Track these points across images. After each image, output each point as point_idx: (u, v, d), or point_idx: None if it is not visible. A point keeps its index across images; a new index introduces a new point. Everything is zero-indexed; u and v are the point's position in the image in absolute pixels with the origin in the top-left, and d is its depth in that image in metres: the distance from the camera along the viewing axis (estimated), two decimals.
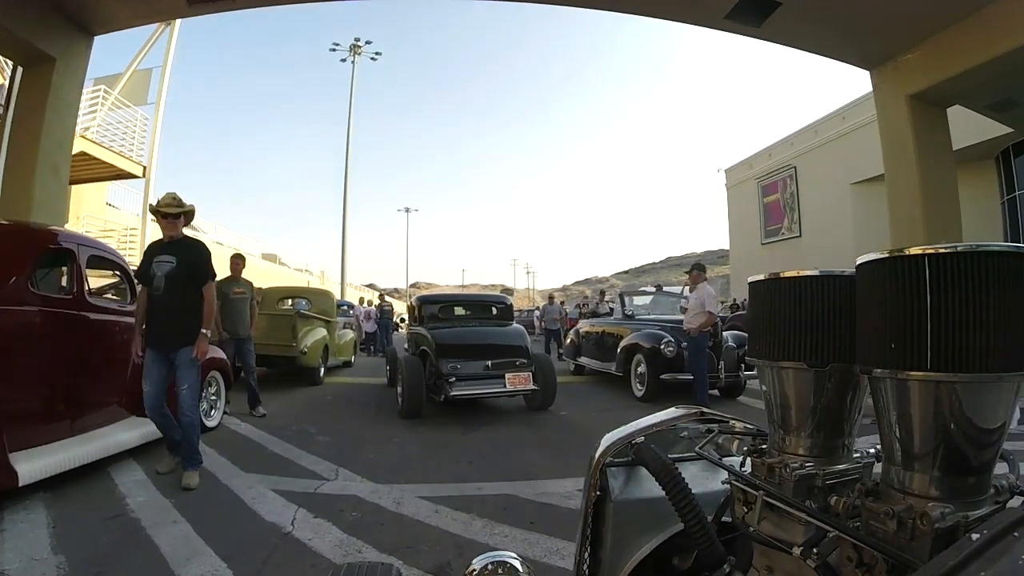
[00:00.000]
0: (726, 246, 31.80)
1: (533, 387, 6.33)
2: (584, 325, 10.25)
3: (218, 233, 23.79)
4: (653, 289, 12.25)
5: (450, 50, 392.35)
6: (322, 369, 8.78)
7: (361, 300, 16.65)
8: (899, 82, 9.34)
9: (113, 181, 13.40)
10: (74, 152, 10.33)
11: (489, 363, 6.24)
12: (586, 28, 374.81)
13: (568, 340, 10.72)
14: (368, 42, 26.86)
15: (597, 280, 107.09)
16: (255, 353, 6.78)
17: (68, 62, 7.35)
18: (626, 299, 9.32)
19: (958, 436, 0.70)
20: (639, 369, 7.35)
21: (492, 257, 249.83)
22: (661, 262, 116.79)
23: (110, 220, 13.38)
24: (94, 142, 10.90)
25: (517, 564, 0.88)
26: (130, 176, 12.46)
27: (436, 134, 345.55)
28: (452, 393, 5.91)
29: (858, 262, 0.79)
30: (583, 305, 15.56)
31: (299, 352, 7.91)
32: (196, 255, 3.83)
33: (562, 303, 16.17)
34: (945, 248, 0.68)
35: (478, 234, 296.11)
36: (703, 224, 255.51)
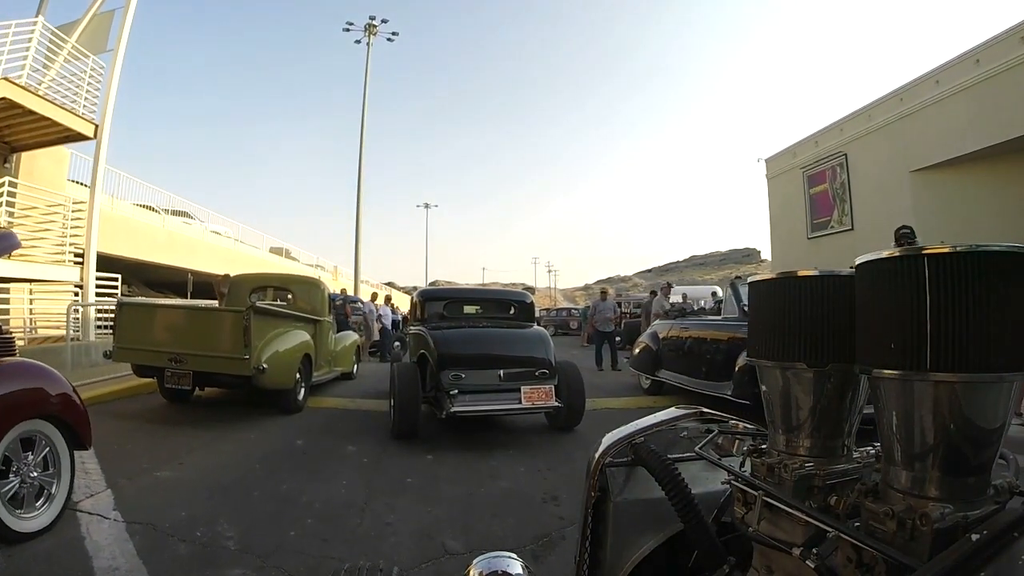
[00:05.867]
0: (752, 244, 28.65)
1: (556, 403, 5.26)
2: (664, 328, 7.29)
3: (214, 221, 20.76)
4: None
5: (470, 41, 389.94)
6: (301, 390, 5.86)
7: (373, 296, 13.70)
8: None
9: (63, 145, 10.59)
10: None
11: (501, 373, 5.22)
12: (608, 24, 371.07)
13: (640, 347, 7.70)
14: (384, 21, 24.16)
15: (620, 279, 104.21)
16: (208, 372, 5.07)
17: None
18: (741, 291, 6.26)
19: (958, 436, 0.69)
20: None
21: (513, 255, 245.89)
22: (684, 261, 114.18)
23: (63, 196, 10.58)
24: (23, 87, 8.07)
25: (518, 566, 0.86)
26: (80, 137, 9.67)
27: (457, 129, 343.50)
28: (453, 408, 4.94)
29: (858, 262, 0.78)
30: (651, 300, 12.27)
31: (254, 369, 4.97)
32: None
33: (656, 297, 12.62)
34: (945, 248, 0.67)
35: (499, 233, 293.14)
36: (728, 222, 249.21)
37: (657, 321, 8.83)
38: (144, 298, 15.69)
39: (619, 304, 17.34)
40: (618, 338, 12.06)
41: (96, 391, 6.73)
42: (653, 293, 13.13)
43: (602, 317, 11.52)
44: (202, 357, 5.49)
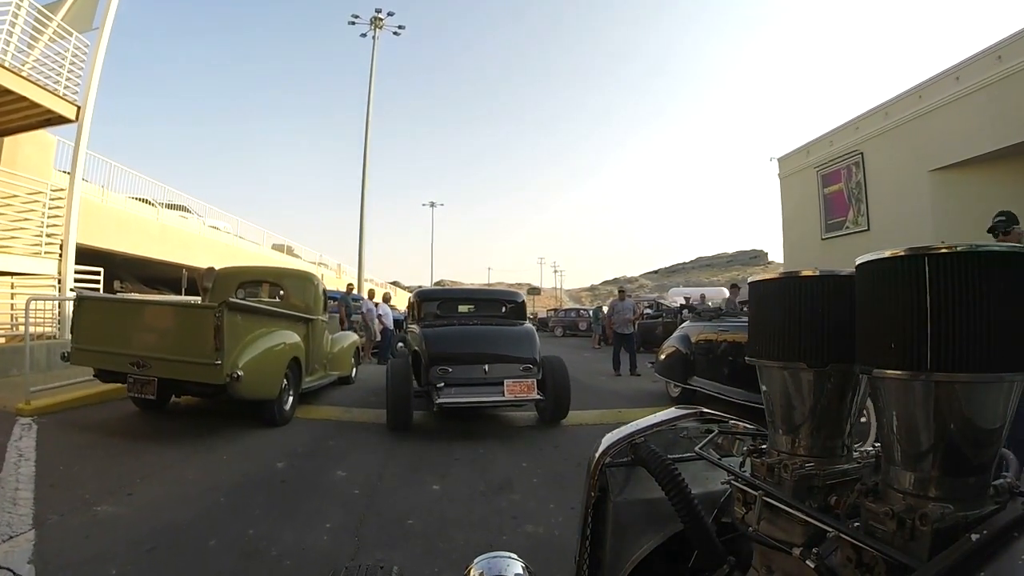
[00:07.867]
0: (759, 246, 28.32)
1: (538, 396, 5.44)
2: (696, 331, 6.48)
3: (213, 216, 19.98)
4: None
5: (475, 39, 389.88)
6: (288, 399, 5.04)
7: (371, 293, 12.83)
8: None
9: (47, 129, 9.78)
10: None
11: (487, 367, 5.38)
12: (613, 22, 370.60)
13: (668, 352, 6.89)
14: (390, 14, 23.38)
15: (626, 280, 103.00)
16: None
17: None
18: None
19: (958, 436, 0.68)
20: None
21: (519, 255, 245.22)
22: (691, 262, 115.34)
23: (42, 183, 9.72)
24: (6, 68, 7.28)
25: (518, 567, 0.84)
26: (61, 120, 8.85)
27: (462, 128, 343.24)
28: (439, 400, 5.10)
29: (858, 262, 0.76)
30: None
31: (227, 376, 4.15)
32: None
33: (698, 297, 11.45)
34: (945, 248, 0.66)
35: (505, 232, 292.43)
36: (735, 224, 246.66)
37: (687, 323, 7.96)
38: (137, 292, 14.91)
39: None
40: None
41: (62, 396, 6.08)
42: (621, 293, 11.89)
43: (621, 318, 10.73)
44: (168, 362, 4.72)
